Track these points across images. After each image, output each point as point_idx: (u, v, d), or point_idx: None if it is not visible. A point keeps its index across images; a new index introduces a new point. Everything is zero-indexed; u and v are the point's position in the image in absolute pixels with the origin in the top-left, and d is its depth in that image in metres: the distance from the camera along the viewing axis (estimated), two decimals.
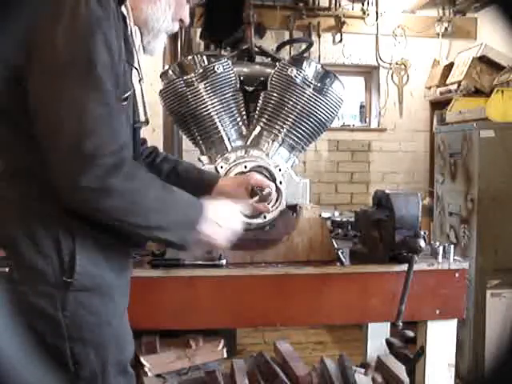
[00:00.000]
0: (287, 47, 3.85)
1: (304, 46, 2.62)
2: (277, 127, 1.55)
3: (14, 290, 0.97)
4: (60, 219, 0.99)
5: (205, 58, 1.57)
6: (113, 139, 0.94)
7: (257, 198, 1.35)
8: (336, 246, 1.61)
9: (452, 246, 1.55)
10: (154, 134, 3.43)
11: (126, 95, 1.06)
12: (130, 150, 1.10)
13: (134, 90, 1.19)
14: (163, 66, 3.19)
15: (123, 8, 1.07)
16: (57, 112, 0.93)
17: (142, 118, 1.23)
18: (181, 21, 1.23)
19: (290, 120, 1.55)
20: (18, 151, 1.00)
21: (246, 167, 1.51)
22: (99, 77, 0.93)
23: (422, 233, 1.41)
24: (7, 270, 0.99)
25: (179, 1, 1.20)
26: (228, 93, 1.56)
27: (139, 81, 1.19)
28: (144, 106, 1.23)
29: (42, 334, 0.96)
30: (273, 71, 1.58)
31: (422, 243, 1.38)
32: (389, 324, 2.24)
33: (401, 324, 1.31)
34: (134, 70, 1.14)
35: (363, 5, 4.22)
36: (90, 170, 0.90)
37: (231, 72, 1.56)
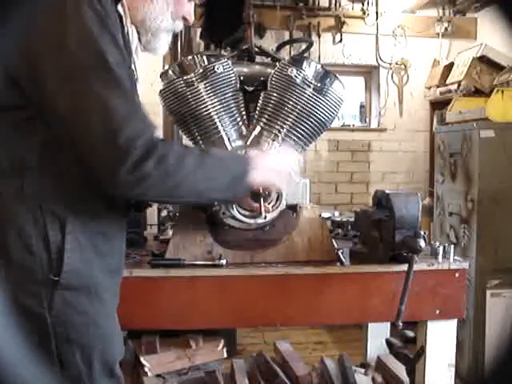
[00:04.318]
0: (287, 47, 3.85)
1: (304, 46, 2.61)
2: (277, 127, 1.55)
3: (3, 288, 0.96)
4: (50, 217, 0.98)
5: (205, 57, 1.57)
6: (142, 129, 0.97)
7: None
8: (336, 245, 1.61)
9: (452, 246, 1.55)
10: None
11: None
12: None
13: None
14: (163, 66, 3.18)
15: (119, 7, 1.06)
16: (85, 114, 0.94)
17: None
18: (185, 19, 1.22)
19: (290, 120, 1.55)
20: (13, 149, 0.99)
21: None
22: (116, 74, 0.95)
23: (422, 233, 1.41)
24: None
25: None
26: (228, 93, 1.56)
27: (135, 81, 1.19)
28: None
29: (29, 333, 0.96)
30: (273, 71, 1.58)
31: (422, 243, 1.38)
32: (389, 324, 2.24)
33: (401, 324, 1.31)
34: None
35: (363, 5, 4.22)
36: (125, 164, 0.94)
37: (231, 72, 1.56)
